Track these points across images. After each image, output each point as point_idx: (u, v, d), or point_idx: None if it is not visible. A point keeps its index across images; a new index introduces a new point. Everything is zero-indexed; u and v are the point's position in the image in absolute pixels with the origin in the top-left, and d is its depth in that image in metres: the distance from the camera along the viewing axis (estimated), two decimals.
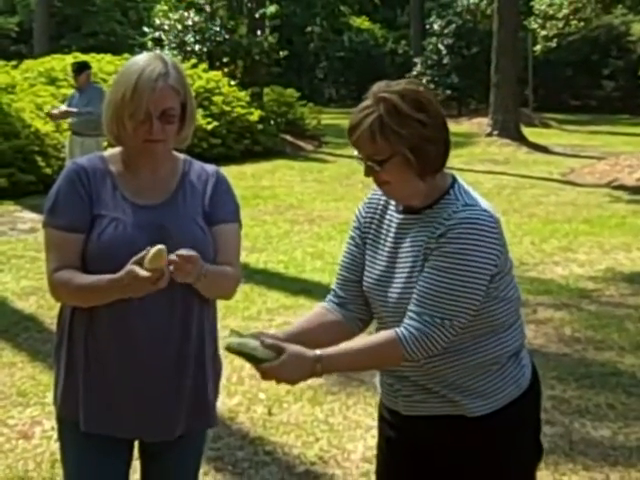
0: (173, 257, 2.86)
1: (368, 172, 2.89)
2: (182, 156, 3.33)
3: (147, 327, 3.09)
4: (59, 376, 3.28)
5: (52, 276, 3.12)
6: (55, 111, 14.68)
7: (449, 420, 2.97)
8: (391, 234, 2.99)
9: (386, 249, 2.99)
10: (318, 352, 2.82)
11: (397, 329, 2.82)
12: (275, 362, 2.76)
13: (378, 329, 3.03)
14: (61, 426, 3.36)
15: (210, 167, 3.35)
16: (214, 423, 3.43)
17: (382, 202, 3.07)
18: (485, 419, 2.94)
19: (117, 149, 3.25)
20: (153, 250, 2.86)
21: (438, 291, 2.78)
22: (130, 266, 2.89)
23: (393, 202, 3.03)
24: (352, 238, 3.14)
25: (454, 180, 2.95)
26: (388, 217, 3.03)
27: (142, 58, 3.12)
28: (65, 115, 14.17)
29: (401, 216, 2.97)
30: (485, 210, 2.84)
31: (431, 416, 2.99)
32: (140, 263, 2.87)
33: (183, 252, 2.88)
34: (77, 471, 3.31)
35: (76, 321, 3.17)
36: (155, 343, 3.12)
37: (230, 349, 2.83)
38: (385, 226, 3.02)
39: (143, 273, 2.86)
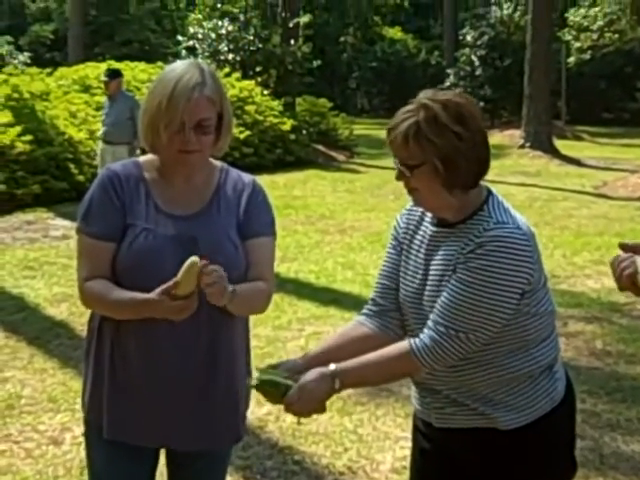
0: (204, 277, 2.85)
1: (399, 176, 2.89)
2: (219, 164, 3.29)
3: (173, 340, 3.07)
4: (87, 381, 3.29)
5: (83, 285, 3.12)
6: None
7: (481, 432, 2.95)
8: (424, 246, 2.98)
9: (419, 260, 2.98)
10: (333, 367, 2.84)
11: (411, 339, 2.83)
12: (293, 389, 2.80)
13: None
14: (88, 430, 3.37)
15: (247, 177, 3.30)
16: (242, 437, 3.42)
17: (419, 212, 3.07)
18: (517, 432, 2.92)
19: (152, 156, 3.22)
20: (183, 268, 2.85)
21: (457, 304, 2.77)
22: (160, 296, 2.89)
23: (429, 214, 3.03)
24: (392, 247, 3.13)
25: (489, 194, 2.94)
26: (423, 228, 3.02)
27: (179, 66, 3.09)
28: None
29: (435, 229, 2.96)
30: (518, 227, 2.82)
31: (463, 429, 2.98)
32: (169, 291, 2.87)
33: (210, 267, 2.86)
34: (101, 476, 3.32)
35: (104, 330, 3.17)
36: (181, 356, 3.10)
37: (254, 387, 2.88)
38: (419, 237, 3.01)
39: (172, 304, 2.87)
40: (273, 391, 2.84)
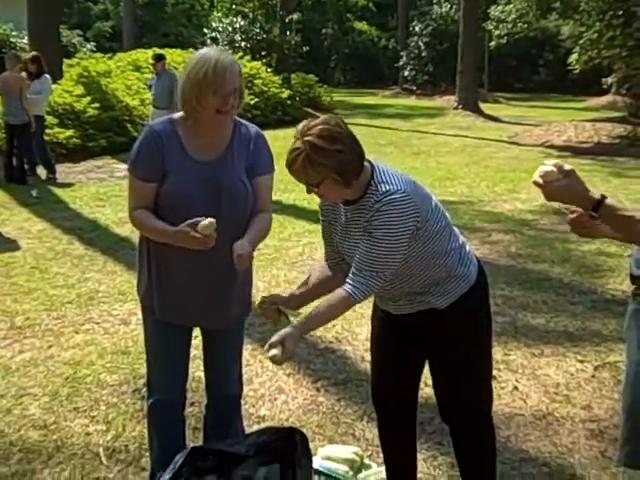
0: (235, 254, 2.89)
1: (309, 190, 2.84)
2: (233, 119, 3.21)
3: (200, 253, 3.00)
4: (141, 278, 3.30)
5: (131, 212, 3.11)
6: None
7: (425, 312, 3.02)
8: (344, 217, 2.97)
9: (343, 227, 2.99)
10: (295, 324, 2.81)
11: (345, 287, 2.80)
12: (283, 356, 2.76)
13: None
14: (144, 312, 3.38)
15: (252, 128, 3.22)
16: (247, 316, 3.46)
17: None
18: (449, 308, 2.99)
19: (182, 114, 3.11)
20: (205, 222, 2.86)
21: (369, 254, 2.77)
22: (185, 227, 2.88)
23: None
24: (322, 222, 3.14)
25: (372, 169, 2.89)
26: (340, 207, 3.00)
27: (213, 49, 3.02)
28: None
29: (346, 207, 2.94)
30: (399, 190, 2.79)
31: (412, 313, 3.05)
32: (194, 225, 2.87)
33: (239, 251, 2.90)
34: (153, 344, 3.35)
35: (150, 242, 3.17)
36: (206, 264, 3.09)
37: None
38: (341, 212, 2.99)
39: (195, 235, 2.87)
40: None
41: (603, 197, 2.25)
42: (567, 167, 2.27)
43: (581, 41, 22.63)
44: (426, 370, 3.22)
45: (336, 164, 2.71)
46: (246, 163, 3.12)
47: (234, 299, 3.27)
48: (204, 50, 3.05)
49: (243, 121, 3.22)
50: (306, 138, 2.71)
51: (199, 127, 3.06)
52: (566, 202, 2.35)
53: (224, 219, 2.96)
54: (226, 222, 2.97)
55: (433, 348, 3.12)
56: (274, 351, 2.79)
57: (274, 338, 2.80)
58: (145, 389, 3.62)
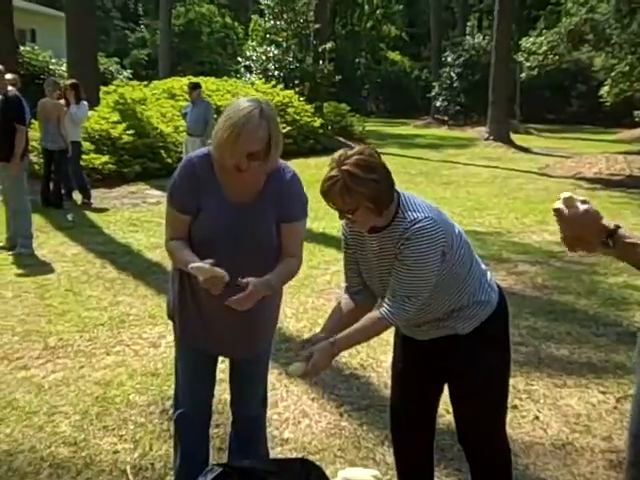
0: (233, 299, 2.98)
1: (341, 216, 2.96)
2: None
3: (226, 290, 3.05)
4: (175, 307, 3.39)
5: (167, 243, 3.21)
6: None
7: (448, 337, 3.14)
8: (370, 245, 3.06)
9: (372, 254, 3.07)
10: (332, 340, 2.93)
11: (381, 310, 2.92)
12: (308, 366, 2.90)
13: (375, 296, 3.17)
14: (175, 337, 3.49)
15: (288, 173, 3.20)
16: (270, 348, 3.56)
17: None
18: (470, 333, 3.11)
19: None
20: (204, 267, 2.93)
21: (403, 281, 2.88)
22: (199, 267, 2.95)
23: None
24: (345, 249, 3.23)
25: (399, 198, 2.98)
26: (365, 234, 3.08)
27: (248, 106, 2.96)
28: None
29: (372, 235, 3.03)
30: (425, 217, 2.89)
31: (436, 338, 3.17)
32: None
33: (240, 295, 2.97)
34: (182, 367, 3.46)
35: (182, 274, 3.23)
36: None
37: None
38: (367, 239, 3.08)
39: (201, 279, 2.94)
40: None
41: (617, 226, 2.31)
42: (582, 198, 2.35)
43: (613, 73, 22.69)
44: (448, 397, 3.30)
45: (371, 192, 2.82)
46: (277, 209, 3.14)
47: (259, 333, 3.37)
48: (242, 104, 3.00)
49: (281, 163, 3.21)
50: (344, 167, 2.82)
51: (229, 172, 3.08)
52: (580, 228, 2.35)
53: (244, 262, 3.06)
54: (246, 265, 3.05)
55: (452, 372, 3.21)
56: (298, 364, 2.91)
57: (305, 352, 2.92)
58: (172, 410, 3.72)
